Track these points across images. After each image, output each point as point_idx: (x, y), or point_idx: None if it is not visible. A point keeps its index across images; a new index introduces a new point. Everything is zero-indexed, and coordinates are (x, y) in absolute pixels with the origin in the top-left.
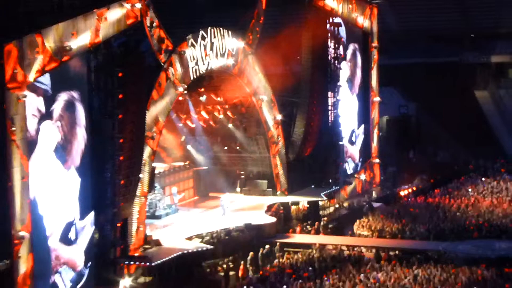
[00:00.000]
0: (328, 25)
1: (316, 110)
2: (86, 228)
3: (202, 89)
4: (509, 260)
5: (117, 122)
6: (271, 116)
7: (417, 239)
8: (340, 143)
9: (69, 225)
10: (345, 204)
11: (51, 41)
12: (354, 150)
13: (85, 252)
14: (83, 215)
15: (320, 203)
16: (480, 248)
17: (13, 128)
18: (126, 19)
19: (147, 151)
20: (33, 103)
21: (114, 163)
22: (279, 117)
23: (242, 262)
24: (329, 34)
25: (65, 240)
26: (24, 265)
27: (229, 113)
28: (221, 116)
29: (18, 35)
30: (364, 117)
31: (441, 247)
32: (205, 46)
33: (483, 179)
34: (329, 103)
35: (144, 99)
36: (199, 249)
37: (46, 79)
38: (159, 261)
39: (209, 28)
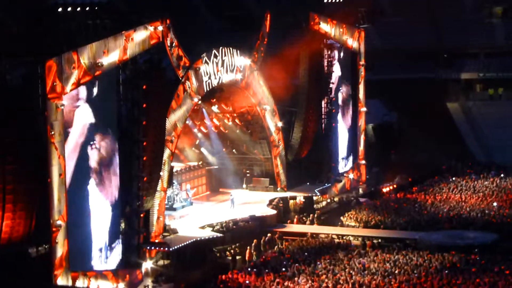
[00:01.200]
0: (322, 46)
1: (311, 118)
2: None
3: (214, 100)
4: (475, 248)
5: (142, 127)
6: (273, 123)
7: (397, 229)
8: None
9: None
10: (336, 199)
11: (86, 58)
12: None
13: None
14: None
15: (314, 198)
16: (451, 237)
17: (52, 132)
18: (150, 40)
19: (166, 152)
20: None
21: (139, 163)
22: (280, 124)
23: (247, 248)
24: (324, 53)
25: None
26: (60, 250)
27: (237, 121)
28: (230, 123)
29: (58, 52)
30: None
31: (418, 236)
32: (217, 63)
33: (454, 178)
34: (323, 112)
35: (165, 108)
36: (211, 237)
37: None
38: (176, 247)
39: (221, 47)
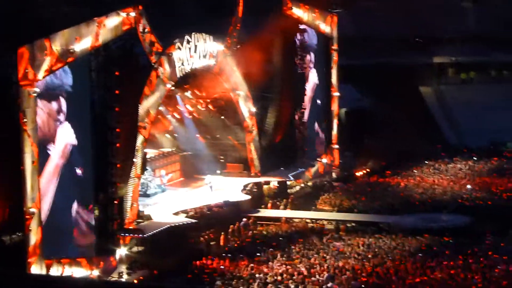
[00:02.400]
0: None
1: (285, 103)
2: None
3: (187, 86)
4: (449, 230)
5: (115, 114)
6: (246, 109)
7: (370, 213)
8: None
9: None
10: (309, 184)
11: (58, 45)
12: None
13: None
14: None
15: (288, 183)
16: (424, 220)
17: (25, 120)
18: (122, 26)
19: (140, 139)
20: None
21: (112, 149)
22: (253, 109)
23: (222, 233)
24: (296, 38)
25: None
26: (34, 237)
27: (210, 106)
28: (204, 109)
29: (30, 39)
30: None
31: (391, 220)
32: (190, 49)
33: (426, 161)
34: (296, 98)
35: (138, 95)
36: (185, 223)
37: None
38: (150, 233)
39: (193, 33)
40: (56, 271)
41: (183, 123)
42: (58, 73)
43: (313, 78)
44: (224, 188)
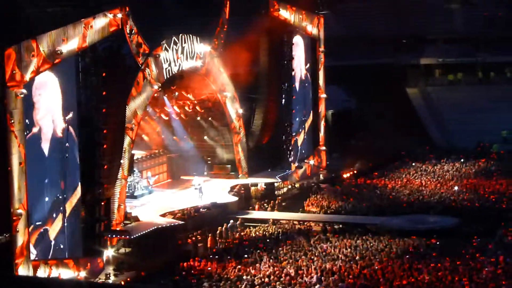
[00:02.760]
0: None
1: (272, 105)
2: None
3: (174, 87)
4: (436, 232)
5: (102, 115)
6: (233, 110)
7: (358, 214)
8: (294, 134)
9: None
10: (297, 185)
11: (45, 46)
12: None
13: None
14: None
15: (276, 184)
16: (412, 222)
17: (12, 121)
18: (109, 27)
19: (127, 140)
20: None
21: (99, 150)
22: (240, 111)
23: (209, 234)
24: (283, 40)
25: None
26: (21, 238)
27: (197, 108)
28: (191, 110)
29: (17, 40)
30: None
31: (378, 221)
32: (177, 50)
33: (414, 163)
34: (283, 99)
35: (125, 96)
36: (172, 224)
37: None
38: (137, 234)
39: (181, 34)
40: (43, 272)
41: (170, 125)
42: None
43: (299, 79)
44: (211, 190)
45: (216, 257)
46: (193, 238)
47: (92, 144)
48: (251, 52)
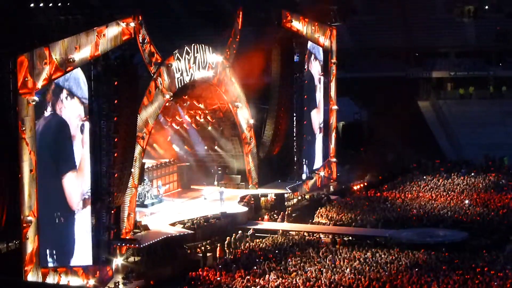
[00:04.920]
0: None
1: (283, 115)
2: None
3: (186, 97)
4: (445, 245)
5: (113, 123)
6: (244, 120)
7: (367, 226)
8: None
9: None
10: (307, 197)
11: (57, 53)
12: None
13: None
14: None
15: (286, 195)
16: (421, 235)
17: (23, 128)
18: (121, 36)
19: (138, 149)
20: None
21: (110, 159)
22: (251, 121)
23: (218, 244)
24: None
25: None
26: (31, 245)
27: (209, 117)
28: (202, 120)
29: (29, 48)
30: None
31: (388, 234)
32: (189, 60)
33: (424, 176)
34: (294, 110)
35: (136, 104)
36: (181, 234)
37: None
38: (147, 243)
39: (193, 44)
40: (52, 279)
41: (181, 134)
42: None
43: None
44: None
45: (225, 267)
46: (202, 248)
47: (103, 152)
48: (263, 62)
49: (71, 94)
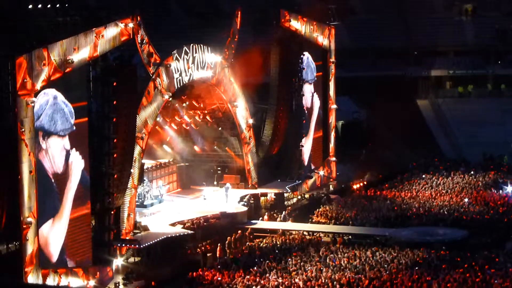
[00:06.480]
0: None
1: (282, 115)
2: None
3: (185, 97)
4: (445, 244)
5: (112, 124)
6: (244, 120)
7: (367, 225)
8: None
9: None
10: (306, 196)
11: (56, 55)
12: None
13: None
14: None
15: (285, 194)
16: (421, 233)
17: (23, 129)
18: (120, 37)
19: (137, 149)
20: None
21: (109, 159)
22: (250, 121)
23: (218, 244)
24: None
25: None
26: (31, 247)
27: (208, 117)
28: (201, 120)
29: (28, 49)
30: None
31: (388, 233)
32: (187, 60)
33: (423, 175)
34: (293, 110)
35: (135, 105)
36: (181, 234)
37: None
38: (146, 244)
39: (192, 44)
40: (52, 281)
41: (181, 133)
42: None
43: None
44: (221, 199)
45: (225, 267)
46: (202, 248)
47: (102, 153)
48: (261, 62)
49: (48, 133)
